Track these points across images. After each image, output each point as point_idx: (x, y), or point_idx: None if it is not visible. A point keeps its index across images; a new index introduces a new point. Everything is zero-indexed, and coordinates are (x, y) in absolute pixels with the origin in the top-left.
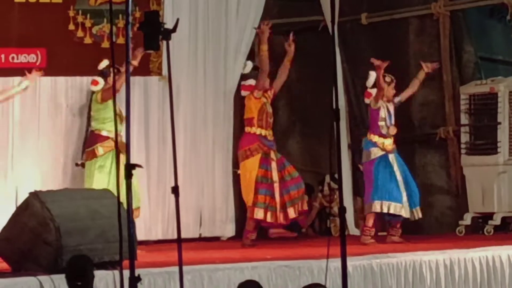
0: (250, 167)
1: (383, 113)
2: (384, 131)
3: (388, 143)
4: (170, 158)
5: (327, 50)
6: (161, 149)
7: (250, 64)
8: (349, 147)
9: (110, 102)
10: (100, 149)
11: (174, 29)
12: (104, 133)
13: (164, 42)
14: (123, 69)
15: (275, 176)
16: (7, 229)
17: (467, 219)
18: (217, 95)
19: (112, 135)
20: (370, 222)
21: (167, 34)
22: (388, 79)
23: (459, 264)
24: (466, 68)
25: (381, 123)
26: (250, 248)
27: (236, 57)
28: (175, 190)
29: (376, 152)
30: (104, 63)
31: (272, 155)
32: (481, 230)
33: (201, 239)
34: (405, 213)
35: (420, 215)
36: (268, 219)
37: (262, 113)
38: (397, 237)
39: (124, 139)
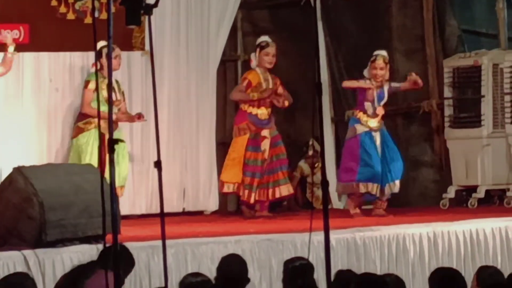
0: (239, 146)
1: (371, 94)
2: (369, 112)
3: (373, 121)
4: (153, 133)
5: (310, 24)
6: (144, 124)
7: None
8: (332, 120)
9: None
10: (83, 126)
11: (155, 4)
12: (91, 112)
13: (146, 17)
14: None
15: (266, 152)
16: None
17: (451, 192)
18: (200, 70)
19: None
20: (352, 207)
21: (149, 9)
22: (382, 63)
23: (443, 237)
24: (449, 41)
25: (367, 103)
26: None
27: (219, 31)
28: (158, 164)
29: (360, 129)
30: (101, 43)
31: (265, 133)
32: (465, 203)
33: (184, 213)
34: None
35: (396, 190)
36: (252, 200)
37: (254, 91)
38: (381, 210)
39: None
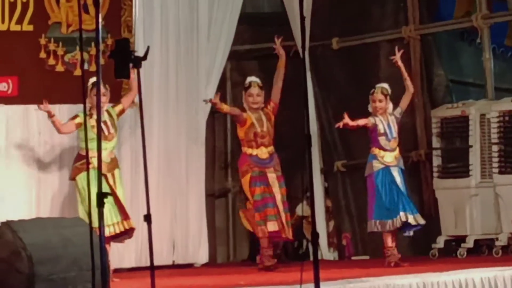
0: (246, 186)
1: (381, 128)
2: (384, 145)
3: (389, 156)
4: (143, 185)
5: (299, 75)
6: (134, 177)
7: None
8: (321, 171)
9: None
10: (80, 167)
11: (144, 57)
12: (83, 152)
13: (135, 70)
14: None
15: (276, 189)
16: None
17: (440, 242)
18: (189, 121)
19: (90, 154)
20: (388, 241)
21: (138, 61)
22: (380, 96)
23: (433, 287)
24: (437, 91)
25: (381, 138)
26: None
27: (208, 82)
28: (148, 218)
29: (376, 166)
30: (91, 80)
31: (269, 172)
32: (454, 253)
33: (174, 266)
34: (406, 219)
35: (423, 221)
36: (271, 228)
37: (249, 134)
38: (393, 255)
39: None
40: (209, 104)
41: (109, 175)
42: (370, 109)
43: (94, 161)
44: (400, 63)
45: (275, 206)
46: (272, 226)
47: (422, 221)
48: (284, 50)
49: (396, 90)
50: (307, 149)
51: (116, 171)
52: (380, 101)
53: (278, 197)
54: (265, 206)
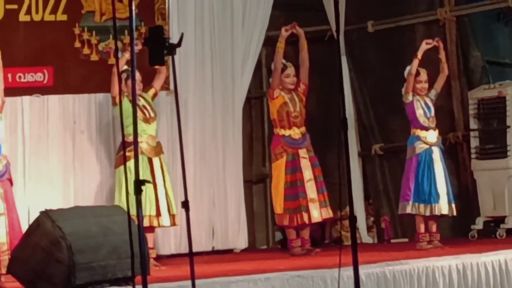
0: (278, 170)
1: (419, 107)
2: (423, 122)
3: (432, 135)
4: (180, 173)
5: (335, 59)
6: (171, 164)
7: None
8: (359, 155)
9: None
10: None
11: (179, 44)
12: (129, 138)
13: (170, 57)
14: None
15: (307, 175)
16: (20, 249)
17: (479, 223)
18: (225, 107)
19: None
20: (422, 227)
21: (172, 49)
22: (425, 77)
23: (472, 269)
24: (474, 72)
25: (420, 116)
26: (300, 257)
27: (243, 69)
28: (185, 204)
29: (419, 147)
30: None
31: (302, 153)
32: (494, 234)
33: (214, 252)
34: (443, 210)
35: (455, 213)
36: (296, 222)
37: (281, 113)
38: (437, 241)
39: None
40: (245, 90)
41: (156, 160)
42: (403, 91)
43: (141, 146)
44: (441, 45)
45: (305, 197)
46: (286, 221)
47: (454, 213)
48: (319, 34)
49: (431, 75)
50: (343, 133)
51: (162, 156)
52: (426, 82)
53: (308, 184)
54: (296, 197)
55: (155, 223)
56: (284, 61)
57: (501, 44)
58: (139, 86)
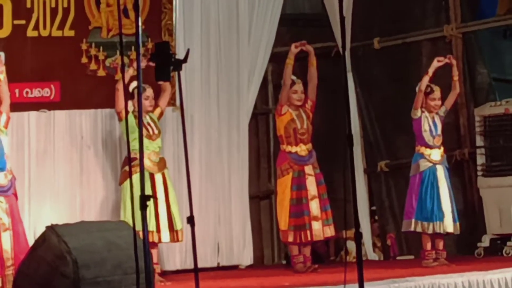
0: (284, 186)
1: (426, 124)
2: (428, 141)
3: (436, 153)
4: (186, 188)
5: (341, 75)
6: (177, 180)
7: None
8: (365, 171)
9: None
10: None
11: (185, 60)
12: (133, 154)
13: (176, 73)
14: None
15: (312, 191)
16: (25, 264)
17: (485, 241)
18: (231, 123)
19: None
20: (428, 245)
21: (178, 64)
22: (439, 94)
23: (478, 287)
24: (480, 89)
25: (425, 133)
26: (305, 273)
27: (249, 85)
28: (191, 220)
29: (423, 165)
30: (133, 85)
31: (308, 170)
32: (500, 252)
33: (219, 268)
34: (448, 228)
35: (450, 230)
36: (300, 239)
37: (288, 130)
38: (443, 259)
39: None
40: (251, 105)
41: (159, 175)
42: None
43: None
44: (454, 62)
45: (309, 214)
46: (291, 238)
47: (457, 232)
48: (325, 51)
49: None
50: (349, 149)
51: (166, 172)
52: (439, 99)
53: (312, 202)
54: (302, 214)
55: (155, 239)
56: (294, 77)
57: (507, 61)
58: (150, 102)
